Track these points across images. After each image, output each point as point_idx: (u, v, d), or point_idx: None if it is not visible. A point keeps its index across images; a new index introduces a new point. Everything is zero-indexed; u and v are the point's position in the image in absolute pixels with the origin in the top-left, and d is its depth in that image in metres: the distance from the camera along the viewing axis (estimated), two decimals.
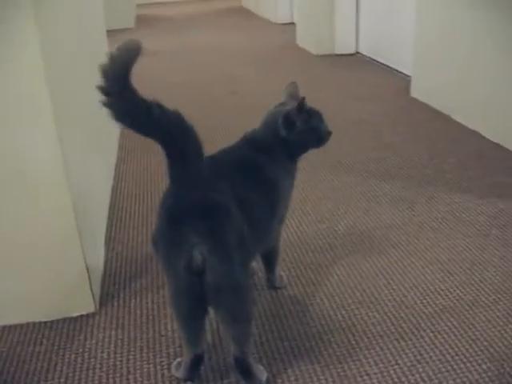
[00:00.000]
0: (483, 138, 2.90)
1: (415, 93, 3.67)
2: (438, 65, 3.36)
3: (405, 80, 3.99)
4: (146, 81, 4.21)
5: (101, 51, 2.97)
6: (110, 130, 2.72)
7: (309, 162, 2.71)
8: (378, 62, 4.72)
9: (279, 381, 1.39)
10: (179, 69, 4.93)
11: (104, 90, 1.05)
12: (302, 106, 1.49)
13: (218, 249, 1.19)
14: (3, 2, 1.32)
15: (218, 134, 3.14)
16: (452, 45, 3.17)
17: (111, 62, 1.04)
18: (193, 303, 1.27)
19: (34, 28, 1.36)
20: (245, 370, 1.34)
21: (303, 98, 1.48)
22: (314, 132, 1.55)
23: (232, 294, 1.25)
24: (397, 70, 4.37)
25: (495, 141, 2.83)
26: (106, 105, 1.07)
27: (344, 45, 5.10)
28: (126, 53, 1.06)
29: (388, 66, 4.53)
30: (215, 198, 1.23)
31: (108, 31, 3.65)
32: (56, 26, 1.72)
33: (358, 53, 5.11)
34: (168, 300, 1.65)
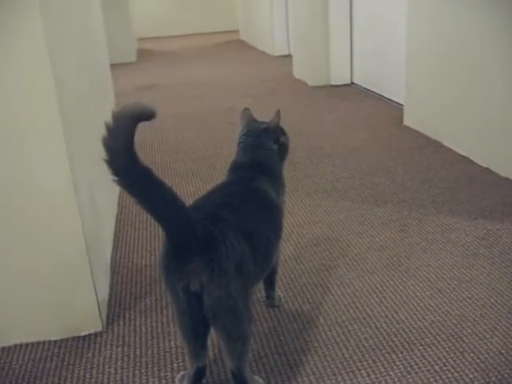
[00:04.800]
0: (473, 163, 3.02)
1: (408, 121, 3.80)
2: (429, 94, 3.49)
3: (398, 109, 4.12)
4: None
5: (107, 85, 3.11)
6: None
7: (305, 188, 2.82)
8: (372, 92, 4.87)
9: None
10: (178, 101, 5.07)
11: (109, 165, 1.15)
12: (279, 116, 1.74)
13: (215, 277, 1.28)
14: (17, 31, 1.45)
15: (216, 161, 3.27)
16: (442, 75, 3.30)
17: (110, 133, 1.12)
18: (194, 322, 1.36)
19: (48, 57, 1.48)
20: None
21: (279, 111, 1.73)
22: (287, 138, 1.78)
23: (228, 316, 1.33)
24: (390, 100, 4.51)
25: (485, 165, 2.94)
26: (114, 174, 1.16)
27: (339, 76, 5.26)
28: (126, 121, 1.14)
29: (382, 96, 4.68)
30: (213, 229, 1.31)
31: (111, 65, 3.80)
32: (65, 59, 1.84)
33: (353, 83, 5.26)
34: (172, 317, 1.76)
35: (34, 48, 1.47)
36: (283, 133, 1.77)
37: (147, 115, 1.16)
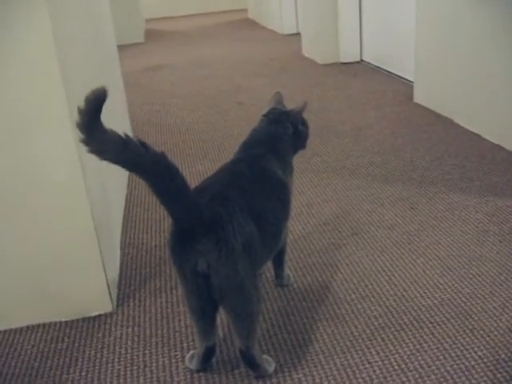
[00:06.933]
0: (484, 139, 2.99)
1: (418, 98, 3.76)
2: (439, 70, 3.45)
3: (408, 86, 4.08)
4: (154, 94, 4.35)
5: (114, 65, 3.10)
6: None
7: (314, 167, 2.81)
8: (382, 69, 4.82)
9: (286, 370, 1.48)
10: (187, 81, 5.05)
11: (80, 129, 1.13)
12: (305, 107, 1.71)
13: (222, 257, 1.28)
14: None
15: (225, 142, 3.25)
16: (452, 51, 3.26)
17: (80, 112, 1.10)
18: (203, 302, 1.37)
19: (53, 44, 1.48)
20: (250, 362, 1.43)
21: (306, 103, 1.71)
22: (307, 130, 1.77)
23: (236, 294, 1.34)
24: (400, 77, 4.46)
25: (496, 142, 2.91)
26: (85, 143, 1.15)
27: (349, 53, 5.21)
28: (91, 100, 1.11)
29: (392, 73, 4.63)
30: (220, 209, 1.31)
31: (119, 46, 3.77)
32: (72, 40, 1.83)
33: (362, 61, 5.21)
34: (182, 297, 1.77)
35: (41, 33, 1.47)
36: (304, 123, 1.75)
37: (100, 98, 1.12)
